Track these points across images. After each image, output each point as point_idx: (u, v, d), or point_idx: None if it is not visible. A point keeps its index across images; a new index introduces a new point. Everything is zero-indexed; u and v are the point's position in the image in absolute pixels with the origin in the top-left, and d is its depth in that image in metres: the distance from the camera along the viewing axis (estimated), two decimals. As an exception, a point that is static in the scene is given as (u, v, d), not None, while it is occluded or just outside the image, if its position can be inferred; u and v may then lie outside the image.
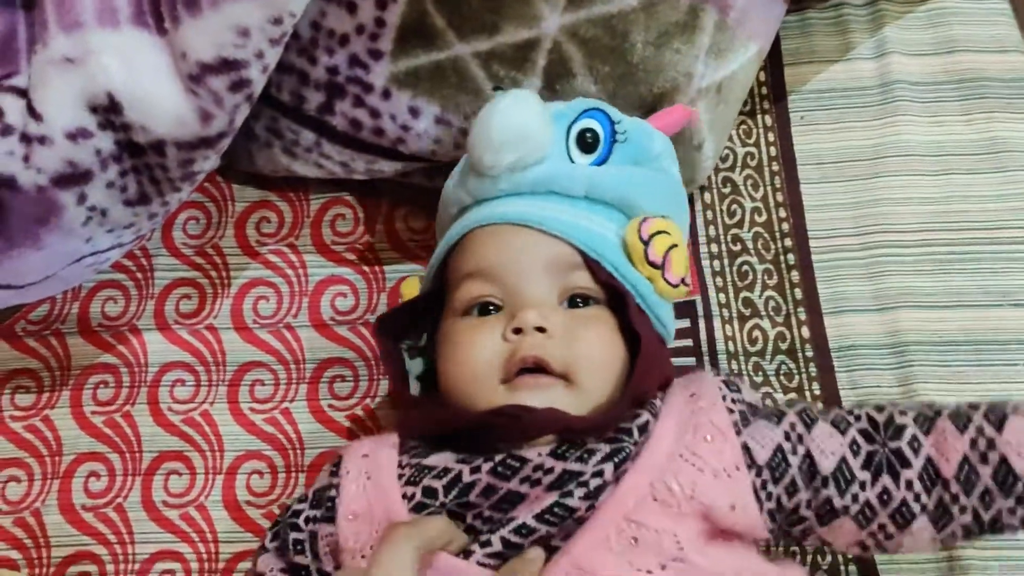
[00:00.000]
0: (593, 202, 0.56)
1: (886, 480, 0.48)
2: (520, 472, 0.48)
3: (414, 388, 0.59)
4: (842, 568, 0.63)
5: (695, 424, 0.49)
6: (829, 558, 0.64)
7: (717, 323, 0.71)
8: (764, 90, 0.78)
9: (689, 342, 0.70)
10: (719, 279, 0.72)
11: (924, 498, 0.47)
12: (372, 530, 0.50)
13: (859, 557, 0.63)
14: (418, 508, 0.50)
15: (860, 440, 0.49)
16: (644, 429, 0.50)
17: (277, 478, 0.68)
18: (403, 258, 0.74)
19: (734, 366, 0.69)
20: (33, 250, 0.60)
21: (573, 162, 0.57)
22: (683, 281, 0.56)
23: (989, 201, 0.73)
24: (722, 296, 0.72)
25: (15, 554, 0.67)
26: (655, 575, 0.45)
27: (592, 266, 0.54)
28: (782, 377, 0.69)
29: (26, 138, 0.57)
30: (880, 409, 0.51)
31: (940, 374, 0.68)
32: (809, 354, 0.69)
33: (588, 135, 0.57)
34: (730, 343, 0.70)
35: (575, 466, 0.48)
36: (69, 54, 0.56)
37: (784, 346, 0.70)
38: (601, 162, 0.57)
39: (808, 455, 0.49)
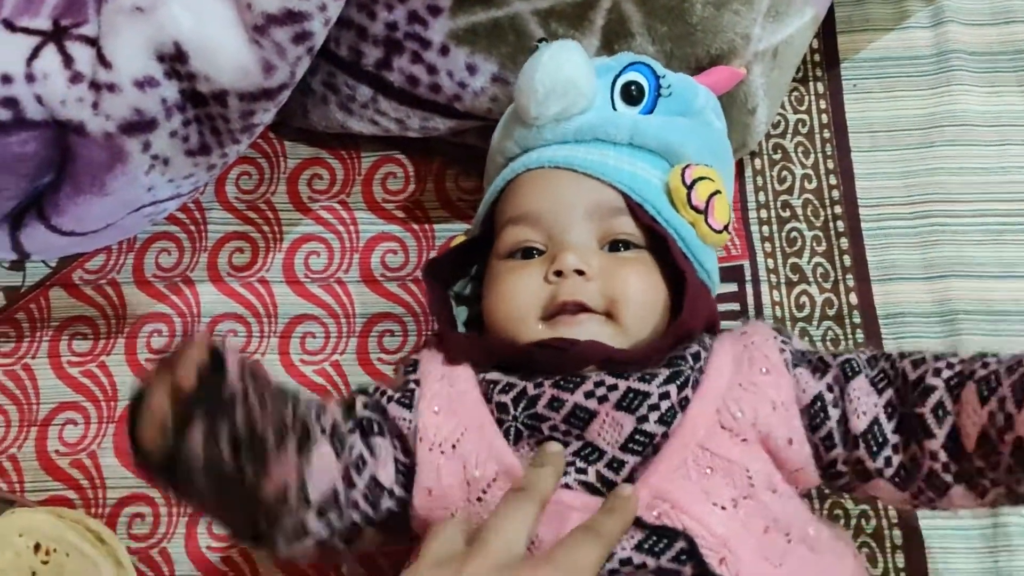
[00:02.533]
0: (637, 149, 0.57)
1: (914, 448, 0.47)
2: (582, 386, 0.50)
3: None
4: (886, 533, 0.64)
5: (750, 357, 0.51)
6: (873, 522, 0.64)
7: (765, 288, 0.71)
8: (817, 57, 0.78)
9: (736, 306, 0.71)
10: (767, 244, 0.72)
11: (953, 467, 0.46)
12: (458, 425, 0.51)
13: (904, 522, 0.64)
14: (499, 422, 0.51)
15: (895, 400, 0.49)
16: (697, 358, 0.51)
17: (327, 428, 0.70)
18: (452, 217, 0.75)
19: (781, 331, 0.70)
20: (98, 197, 0.62)
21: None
22: (726, 228, 0.56)
23: (1045, 172, 0.73)
24: (770, 261, 0.72)
25: (72, 494, 0.69)
26: (728, 511, 0.47)
27: (635, 210, 0.55)
28: (828, 343, 0.69)
29: (95, 85, 0.58)
30: (917, 363, 0.49)
31: (989, 344, 0.67)
32: (857, 321, 0.70)
33: (633, 88, 0.57)
34: (777, 308, 0.71)
35: (639, 385, 0.49)
36: (139, 3, 0.57)
37: (831, 312, 0.70)
38: (646, 114, 0.58)
39: (844, 413, 0.49)
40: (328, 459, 0.49)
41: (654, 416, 0.49)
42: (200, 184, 0.67)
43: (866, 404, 0.49)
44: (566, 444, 0.50)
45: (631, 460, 0.49)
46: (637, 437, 0.49)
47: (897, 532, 0.64)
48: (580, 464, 0.49)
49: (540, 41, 0.60)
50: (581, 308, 0.53)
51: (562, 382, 0.50)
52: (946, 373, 0.47)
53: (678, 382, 0.50)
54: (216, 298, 0.74)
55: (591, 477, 0.49)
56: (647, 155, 0.57)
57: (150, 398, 0.41)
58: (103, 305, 0.74)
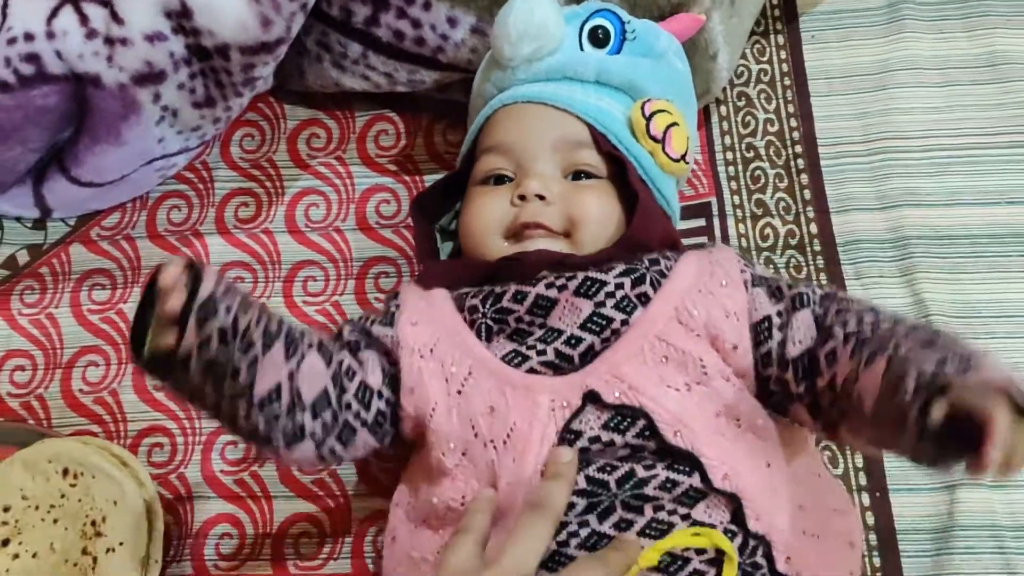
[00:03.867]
0: (603, 86, 0.63)
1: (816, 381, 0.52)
2: (543, 279, 0.55)
3: None
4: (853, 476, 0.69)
5: (712, 271, 0.56)
6: (841, 466, 0.69)
7: (731, 222, 0.77)
8: (777, 12, 0.84)
9: (704, 239, 0.76)
10: (733, 183, 0.78)
11: (833, 405, 0.51)
12: (435, 336, 0.57)
13: (869, 469, 0.69)
14: (470, 325, 0.57)
15: (838, 336, 0.51)
16: (655, 263, 0.56)
17: (328, 362, 0.75)
18: (441, 168, 0.81)
19: (747, 260, 0.75)
20: (114, 146, 0.68)
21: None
22: (683, 157, 0.62)
23: (988, 109, 0.78)
24: (736, 198, 0.77)
25: (96, 428, 0.74)
26: (681, 392, 0.52)
27: (598, 140, 0.61)
28: (791, 270, 0.75)
29: (109, 40, 0.64)
30: (841, 310, 0.52)
31: (939, 265, 0.73)
32: (817, 249, 0.75)
33: (599, 31, 0.63)
34: (743, 239, 0.76)
35: (596, 274, 0.55)
36: (147, -37, 0.63)
37: (794, 242, 0.76)
38: (613, 55, 0.63)
39: (784, 338, 0.54)
40: (317, 366, 0.55)
41: (610, 302, 0.54)
42: (207, 138, 0.73)
43: (804, 335, 0.53)
44: (529, 332, 0.56)
45: (588, 338, 0.54)
46: (595, 319, 0.54)
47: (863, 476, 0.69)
48: (540, 347, 0.55)
49: None
50: (540, 228, 0.58)
51: (524, 281, 0.56)
52: (848, 327, 0.51)
53: (633, 276, 0.55)
54: (224, 248, 0.80)
55: (550, 355, 0.54)
56: (612, 91, 0.63)
57: (147, 309, 0.47)
58: (119, 258, 0.80)
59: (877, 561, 0.66)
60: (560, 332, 0.55)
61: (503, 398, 0.53)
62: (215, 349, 0.48)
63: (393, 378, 0.58)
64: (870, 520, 0.67)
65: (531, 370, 0.54)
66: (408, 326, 0.58)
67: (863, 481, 0.68)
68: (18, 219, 0.81)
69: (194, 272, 0.48)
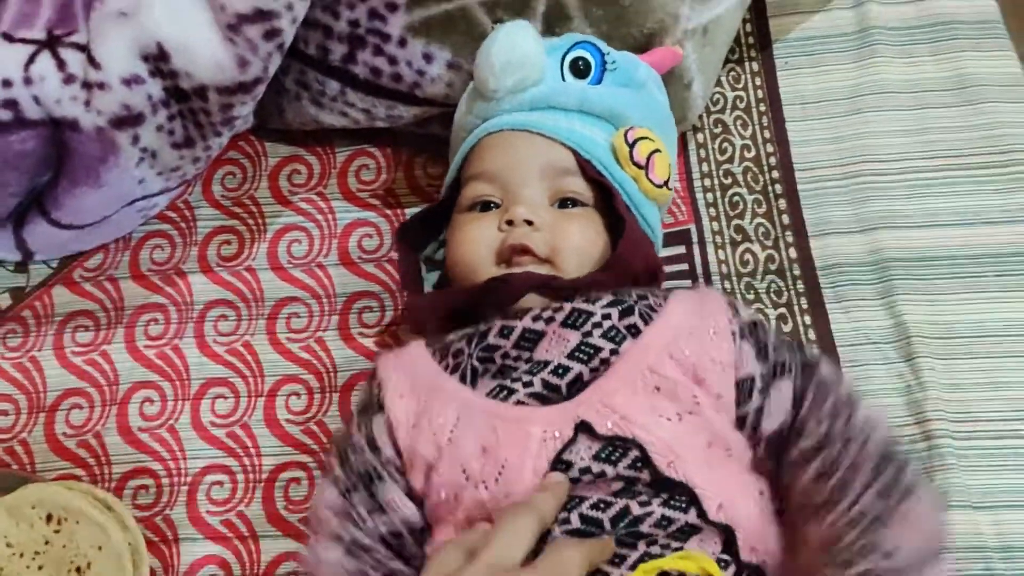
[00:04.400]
0: (585, 115, 0.63)
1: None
2: (529, 312, 0.56)
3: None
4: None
5: (702, 316, 0.56)
6: None
7: (711, 248, 0.77)
8: (751, 40, 0.85)
9: (685, 266, 0.77)
10: (712, 209, 0.79)
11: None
12: (420, 400, 0.57)
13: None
14: (454, 370, 0.57)
15: (805, 447, 0.52)
16: (644, 297, 0.57)
17: (313, 398, 0.75)
18: (422, 201, 0.81)
19: (727, 286, 0.76)
20: (93, 189, 0.68)
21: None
22: (666, 184, 0.62)
23: (960, 131, 0.79)
24: (715, 224, 0.78)
25: (80, 472, 0.74)
26: (673, 422, 0.52)
27: (584, 167, 0.61)
28: (772, 295, 0.75)
29: (87, 84, 0.64)
30: (832, 427, 0.52)
31: (917, 286, 0.74)
32: (797, 273, 0.76)
33: (580, 62, 0.64)
34: (723, 265, 0.76)
35: (583, 305, 0.55)
36: (123, 8, 0.63)
37: (773, 267, 0.76)
38: (594, 85, 0.64)
39: (762, 405, 0.55)
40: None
41: (598, 332, 0.55)
42: (187, 177, 0.74)
43: (779, 409, 0.54)
44: (515, 368, 0.55)
45: (576, 367, 0.54)
46: (583, 348, 0.55)
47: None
48: (526, 378, 0.55)
49: (496, 22, 0.67)
50: (526, 253, 0.59)
51: (510, 315, 0.57)
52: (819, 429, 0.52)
53: (620, 308, 0.56)
54: (207, 287, 0.80)
55: (537, 386, 0.54)
56: (595, 120, 0.64)
57: None
58: (102, 299, 0.80)
59: (868, 585, 0.66)
60: (547, 363, 0.55)
61: (494, 434, 0.53)
62: None
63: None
64: (857, 543, 0.67)
65: (519, 402, 0.54)
66: (396, 399, 0.57)
67: (851, 505, 0.68)
68: (0, 262, 0.81)
69: None
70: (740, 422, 0.55)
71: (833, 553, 0.48)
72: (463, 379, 0.57)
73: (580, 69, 0.65)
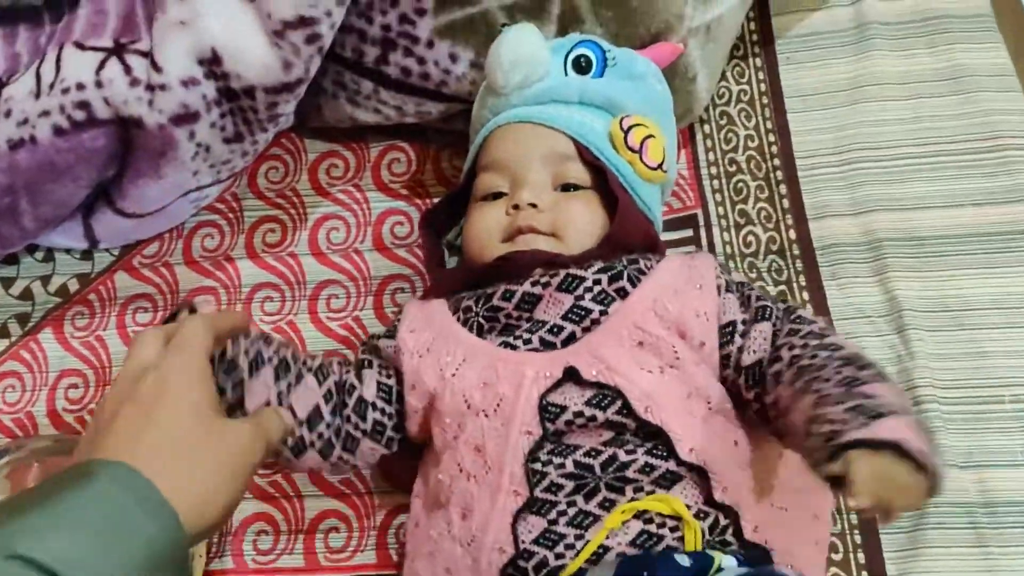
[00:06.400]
0: (585, 105, 0.70)
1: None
2: (530, 278, 0.63)
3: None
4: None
5: (689, 275, 0.63)
6: None
7: (716, 231, 0.83)
8: (755, 37, 0.91)
9: (692, 248, 0.83)
10: (718, 195, 0.85)
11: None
12: (432, 337, 0.64)
13: None
14: (465, 323, 0.64)
15: (785, 358, 0.57)
16: (634, 262, 0.63)
17: (351, 371, 0.82)
18: (449, 190, 0.88)
19: (732, 266, 0.82)
20: (154, 180, 0.76)
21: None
22: (660, 166, 0.69)
23: (951, 119, 0.84)
24: (720, 209, 0.84)
25: (142, 437, 0.82)
26: (654, 374, 0.59)
27: (583, 153, 0.68)
28: (773, 273, 0.81)
29: (150, 87, 0.72)
30: (806, 346, 0.57)
31: (909, 265, 0.79)
32: (796, 253, 0.81)
33: (582, 60, 0.71)
34: (728, 247, 0.82)
35: (576, 271, 0.62)
36: (182, 18, 0.71)
37: (775, 248, 0.82)
38: (596, 79, 0.71)
39: (742, 346, 0.60)
40: (311, 385, 0.62)
41: (588, 295, 0.61)
42: (236, 170, 0.81)
43: (758, 346, 0.60)
44: (517, 326, 0.63)
45: (569, 327, 0.61)
46: (575, 310, 0.61)
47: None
48: (526, 336, 0.62)
49: (503, 25, 0.74)
50: (532, 231, 0.66)
51: (513, 281, 0.64)
52: (793, 351, 0.57)
53: (610, 273, 0.62)
54: (253, 271, 0.87)
55: (535, 343, 0.61)
56: (594, 110, 0.70)
57: None
58: (159, 283, 0.88)
59: (858, 538, 0.71)
60: (544, 323, 0.62)
61: (494, 373, 0.60)
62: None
63: (391, 390, 0.65)
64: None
65: (513, 348, 0.61)
66: (407, 333, 0.65)
67: (843, 464, 0.74)
68: (68, 251, 0.89)
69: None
70: (724, 361, 0.61)
71: (819, 418, 0.51)
72: (471, 330, 0.64)
73: (582, 66, 0.71)
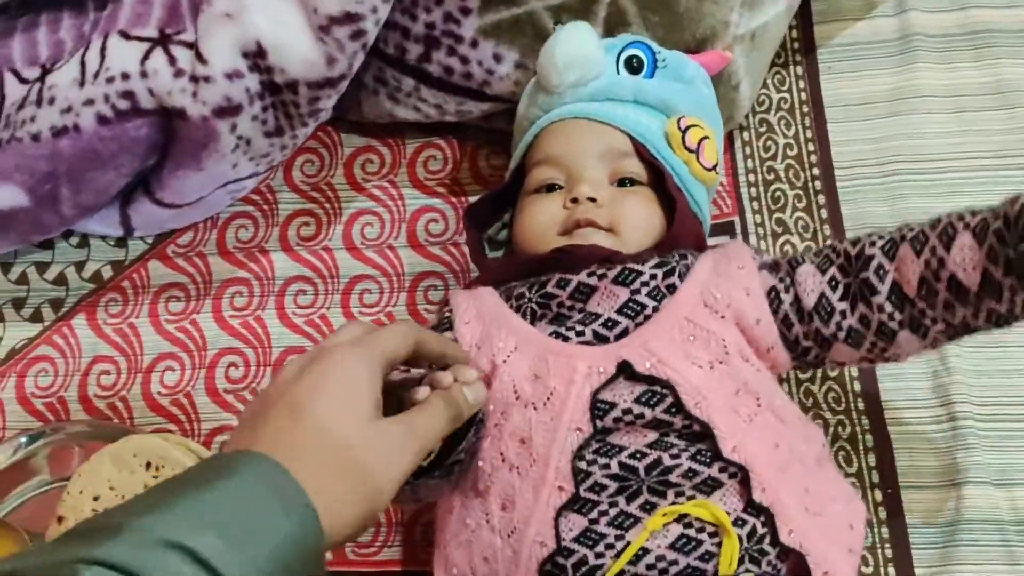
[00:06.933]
0: (640, 104, 0.70)
1: (862, 307, 0.59)
2: (586, 268, 0.63)
3: None
4: (860, 437, 0.75)
5: (728, 258, 0.63)
6: (848, 429, 0.75)
7: (753, 239, 0.83)
8: (796, 45, 0.90)
9: (728, 254, 0.82)
10: (755, 203, 0.84)
11: (897, 315, 0.58)
12: (484, 327, 0.64)
13: (875, 428, 0.74)
14: (516, 310, 0.64)
15: (838, 275, 0.60)
16: (684, 257, 0.64)
17: (382, 367, 0.82)
18: (485, 189, 0.88)
19: (768, 275, 0.81)
20: (194, 171, 0.76)
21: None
22: (714, 167, 0.69)
23: (996, 133, 0.84)
24: (758, 217, 0.84)
25: (172, 427, 0.82)
26: (704, 369, 0.59)
27: (640, 151, 0.68)
28: (809, 284, 0.81)
29: (194, 78, 0.72)
30: (855, 243, 0.60)
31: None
32: (833, 264, 0.81)
33: (634, 60, 0.70)
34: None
35: (633, 265, 0.62)
36: (228, 10, 0.71)
37: (811, 258, 0.81)
38: (647, 79, 0.71)
39: (796, 295, 0.61)
40: None
41: (644, 290, 0.61)
42: (274, 163, 0.81)
43: (813, 283, 0.60)
44: (570, 316, 0.62)
45: (624, 321, 0.61)
46: (631, 304, 0.61)
47: (869, 437, 0.75)
48: (579, 328, 0.61)
49: (556, 23, 0.74)
50: (591, 224, 0.65)
51: (569, 271, 0.63)
52: (880, 242, 0.59)
53: (665, 268, 0.62)
54: (287, 264, 0.87)
55: (588, 336, 0.61)
56: (649, 109, 0.70)
57: None
58: (193, 273, 0.88)
59: (889, 552, 0.71)
60: (598, 316, 0.62)
61: (545, 365, 0.60)
62: None
63: None
64: (882, 515, 0.72)
65: (566, 340, 0.61)
66: (463, 326, 0.65)
67: (875, 479, 0.74)
68: (103, 238, 0.89)
69: None
70: (785, 323, 0.61)
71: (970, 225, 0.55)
72: (523, 317, 0.64)
73: (634, 66, 0.71)
